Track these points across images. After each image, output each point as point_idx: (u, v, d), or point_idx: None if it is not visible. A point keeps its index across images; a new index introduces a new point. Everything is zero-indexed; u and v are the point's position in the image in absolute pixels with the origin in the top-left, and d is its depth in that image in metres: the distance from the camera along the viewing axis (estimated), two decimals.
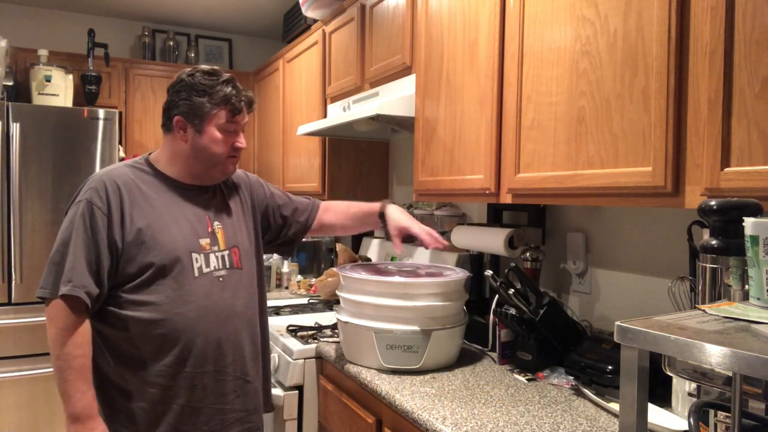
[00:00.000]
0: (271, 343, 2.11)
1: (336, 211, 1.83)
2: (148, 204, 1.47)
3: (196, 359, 1.46)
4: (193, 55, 4.15)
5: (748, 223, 0.86)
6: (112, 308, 1.43)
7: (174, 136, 1.51)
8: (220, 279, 1.52)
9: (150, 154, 1.58)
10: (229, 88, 1.51)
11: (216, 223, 1.55)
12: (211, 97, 1.49)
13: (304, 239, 1.92)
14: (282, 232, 1.77)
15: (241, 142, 1.55)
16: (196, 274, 1.47)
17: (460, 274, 1.79)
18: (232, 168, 1.58)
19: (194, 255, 1.48)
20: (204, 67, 1.54)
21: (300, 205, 1.79)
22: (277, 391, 1.95)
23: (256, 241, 1.68)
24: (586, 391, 1.45)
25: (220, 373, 1.50)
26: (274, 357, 2.04)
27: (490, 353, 1.86)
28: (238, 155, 1.57)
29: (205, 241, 1.51)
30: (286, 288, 3.00)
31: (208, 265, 1.50)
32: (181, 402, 1.45)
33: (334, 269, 2.55)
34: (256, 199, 1.72)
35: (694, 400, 1.00)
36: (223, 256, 1.54)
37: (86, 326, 1.39)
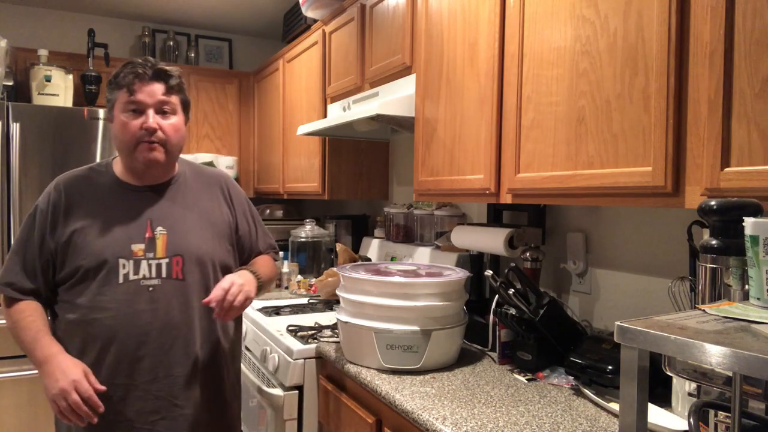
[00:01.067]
0: (271, 343, 2.11)
1: (257, 259, 1.70)
2: (88, 207, 1.47)
3: (110, 369, 1.40)
4: (193, 55, 4.15)
5: (748, 223, 0.86)
6: (55, 305, 1.48)
7: None
8: (150, 288, 1.43)
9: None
10: (127, 69, 1.43)
11: (159, 228, 1.47)
12: (116, 84, 1.46)
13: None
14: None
15: (148, 121, 1.41)
16: (121, 280, 1.41)
17: (460, 274, 1.79)
18: (150, 154, 1.43)
19: (122, 261, 1.41)
20: (132, 59, 1.49)
21: (248, 242, 1.68)
22: (277, 391, 1.95)
23: (223, 253, 1.56)
24: (586, 391, 1.45)
25: (139, 389, 1.42)
26: (274, 357, 2.04)
27: (490, 353, 1.86)
28: (155, 139, 1.43)
29: (138, 247, 1.43)
30: (286, 288, 3.00)
31: (137, 272, 1.42)
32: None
33: (334, 269, 2.55)
34: (236, 211, 1.64)
35: (694, 400, 1.00)
36: (158, 265, 1.44)
37: (23, 304, 1.44)
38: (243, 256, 1.68)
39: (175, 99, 1.48)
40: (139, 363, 1.42)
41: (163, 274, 1.45)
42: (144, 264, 1.44)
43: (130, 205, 1.47)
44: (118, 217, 1.46)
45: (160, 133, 1.44)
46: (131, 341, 1.41)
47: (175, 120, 1.48)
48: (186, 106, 1.54)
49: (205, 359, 1.51)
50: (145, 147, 1.43)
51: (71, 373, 1.33)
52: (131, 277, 1.42)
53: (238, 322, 1.69)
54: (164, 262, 1.45)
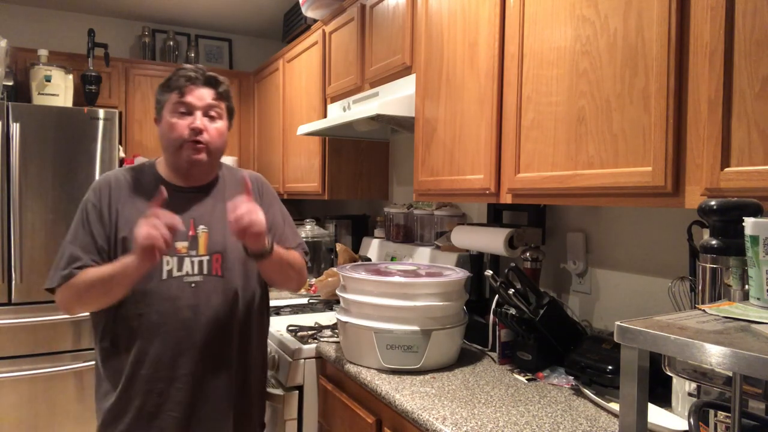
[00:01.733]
0: (271, 343, 2.11)
1: None
2: (135, 204, 1.49)
3: (153, 362, 1.45)
4: (193, 55, 4.15)
5: (748, 223, 0.86)
6: None
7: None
8: (192, 285, 1.48)
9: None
10: (180, 72, 1.51)
11: (201, 227, 1.52)
12: (164, 86, 1.52)
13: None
14: None
15: (195, 122, 1.47)
16: (164, 276, 1.46)
17: (460, 274, 1.79)
18: (195, 154, 1.49)
19: (166, 258, 1.46)
20: (183, 65, 1.55)
21: (278, 241, 1.63)
22: (277, 391, 1.95)
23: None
24: (586, 391, 1.45)
25: (180, 382, 1.47)
26: (274, 357, 2.04)
27: (490, 353, 1.86)
28: (201, 140, 1.48)
29: (181, 245, 1.48)
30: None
31: (180, 269, 1.48)
32: (137, 404, 1.45)
33: (334, 269, 2.55)
34: (268, 209, 1.62)
35: (694, 400, 1.00)
36: (200, 262, 1.50)
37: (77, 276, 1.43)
38: None
39: (222, 105, 1.55)
40: (181, 357, 1.46)
41: (204, 271, 1.50)
42: (187, 261, 1.49)
43: (174, 204, 1.49)
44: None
45: (205, 135, 1.49)
46: (174, 336, 1.46)
47: (221, 125, 1.54)
48: (231, 114, 1.60)
49: (241, 353, 1.57)
50: (191, 147, 1.48)
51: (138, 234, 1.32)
52: (175, 273, 1.47)
53: (267, 317, 1.73)
54: (205, 259, 1.51)
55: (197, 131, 1.48)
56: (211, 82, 1.52)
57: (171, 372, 1.46)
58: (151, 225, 1.29)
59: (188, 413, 1.48)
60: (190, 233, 1.51)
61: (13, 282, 2.94)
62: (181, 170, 1.54)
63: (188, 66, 1.53)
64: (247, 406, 1.62)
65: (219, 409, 1.53)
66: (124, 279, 1.37)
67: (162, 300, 1.46)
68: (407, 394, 1.48)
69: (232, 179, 1.66)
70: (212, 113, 1.51)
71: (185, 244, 1.49)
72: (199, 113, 1.49)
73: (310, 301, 2.74)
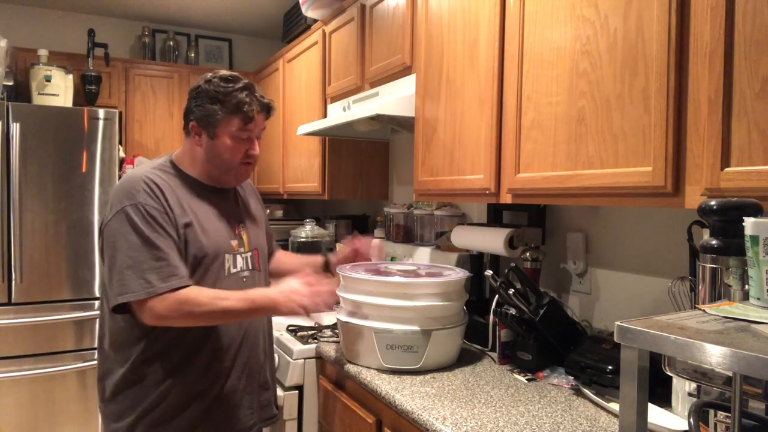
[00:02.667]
0: None
1: (284, 253, 1.94)
2: (185, 204, 1.49)
3: (220, 354, 1.52)
4: (193, 55, 4.15)
5: (748, 223, 0.86)
6: None
7: (191, 140, 1.55)
8: (244, 279, 1.57)
9: (172, 155, 1.60)
10: (244, 95, 1.49)
11: (240, 225, 1.61)
12: (224, 104, 1.49)
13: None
14: None
15: (255, 149, 1.55)
16: (227, 273, 1.53)
17: (460, 274, 1.79)
18: (246, 174, 1.60)
19: (226, 255, 1.53)
20: (224, 72, 1.53)
21: (268, 235, 1.83)
22: (277, 391, 1.95)
23: (267, 247, 1.76)
24: (586, 391, 1.45)
25: (237, 369, 1.55)
26: (275, 357, 2.04)
27: (490, 353, 1.86)
28: (252, 161, 1.58)
29: (234, 242, 1.57)
30: None
31: (235, 265, 1.56)
32: (215, 392, 1.51)
33: None
34: (263, 209, 1.80)
35: (694, 400, 1.00)
36: (246, 258, 1.59)
37: (189, 290, 1.40)
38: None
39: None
40: (240, 347, 1.55)
41: (250, 266, 1.61)
42: (239, 258, 1.57)
43: (217, 204, 1.57)
44: (213, 215, 1.55)
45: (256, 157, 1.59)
46: (235, 327, 1.54)
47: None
48: None
49: (270, 342, 1.72)
50: (244, 169, 1.57)
51: (293, 286, 1.48)
52: (232, 270, 1.55)
53: None
54: (249, 255, 1.61)
55: (255, 158, 1.56)
56: (268, 110, 1.57)
57: (231, 362, 1.53)
58: (314, 297, 1.45)
59: (242, 395, 1.57)
60: (236, 231, 1.59)
61: (13, 282, 2.94)
62: (221, 180, 1.58)
63: (252, 87, 1.52)
64: (275, 394, 1.74)
65: (265, 395, 1.65)
66: (257, 316, 1.53)
67: None
68: (407, 394, 1.48)
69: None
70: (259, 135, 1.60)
71: (236, 242, 1.57)
72: (256, 140, 1.56)
73: None
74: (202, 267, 1.47)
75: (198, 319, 1.42)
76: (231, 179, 1.59)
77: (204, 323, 1.45)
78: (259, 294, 1.47)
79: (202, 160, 1.55)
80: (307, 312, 1.46)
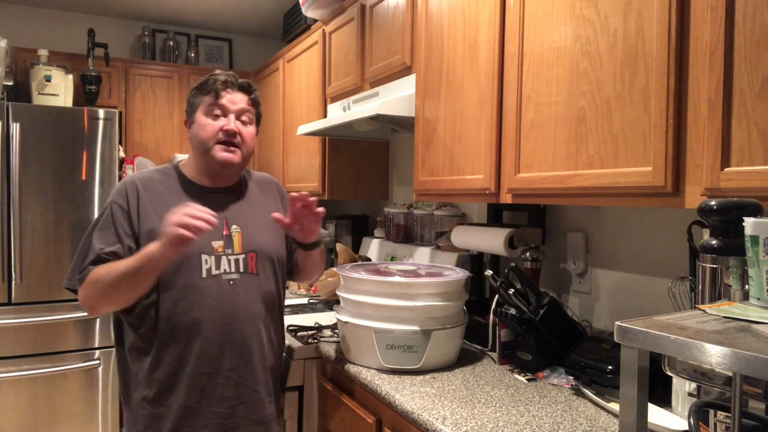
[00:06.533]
0: None
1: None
2: (165, 205, 1.48)
3: (197, 359, 1.47)
4: (193, 55, 4.15)
5: (748, 223, 0.86)
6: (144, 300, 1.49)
7: (188, 137, 1.59)
8: (231, 282, 1.52)
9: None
10: (218, 76, 1.54)
11: (234, 226, 1.56)
12: (199, 89, 1.56)
13: None
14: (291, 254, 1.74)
15: (229, 124, 1.51)
16: (204, 275, 1.49)
17: (460, 274, 1.79)
18: (226, 155, 1.52)
19: (204, 256, 1.49)
20: (218, 72, 1.58)
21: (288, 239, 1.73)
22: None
23: (283, 250, 1.66)
24: (586, 391, 1.45)
25: (221, 377, 1.49)
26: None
27: (490, 353, 1.86)
28: (232, 141, 1.52)
29: (217, 244, 1.52)
30: (287, 288, 3.00)
31: (218, 267, 1.51)
32: (180, 401, 1.46)
33: (334, 269, 2.55)
34: (286, 210, 1.66)
35: (694, 400, 1.00)
36: (237, 260, 1.54)
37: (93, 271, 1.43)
38: (290, 255, 1.74)
39: (253, 110, 1.60)
40: (223, 353, 1.49)
41: (241, 269, 1.54)
42: (224, 259, 1.52)
43: (206, 205, 1.49)
44: None
45: (239, 138, 1.54)
46: (216, 332, 1.48)
47: (251, 129, 1.59)
48: (259, 120, 1.65)
49: (271, 347, 1.61)
50: (222, 148, 1.52)
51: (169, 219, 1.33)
52: (213, 272, 1.50)
53: (283, 315, 1.74)
54: (241, 257, 1.54)
55: (231, 133, 1.52)
56: (245, 88, 1.56)
57: (214, 368, 1.48)
58: (182, 213, 1.31)
59: (230, 407, 1.51)
60: (225, 232, 1.54)
61: (13, 282, 2.94)
62: (211, 171, 1.56)
63: (223, 71, 1.57)
64: (277, 397, 1.68)
65: (258, 401, 1.56)
66: (150, 269, 1.37)
67: (203, 297, 1.47)
68: (407, 394, 1.48)
69: (255, 181, 1.73)
70: (244, 118, 1.56)
71: (221, 243, 1.52)
72: (232, 116, 1.53)
73: (310, 301, 2.74)
74: (172, 266, 1.43)
75: (111, 291, 1.40)
76: (214, 164, 1.53)
77: (122, 294, 1.41)
78: (144, 250, 1.38)
79: (192, 153, 1.58)
80: (180, 227, 1.30)
